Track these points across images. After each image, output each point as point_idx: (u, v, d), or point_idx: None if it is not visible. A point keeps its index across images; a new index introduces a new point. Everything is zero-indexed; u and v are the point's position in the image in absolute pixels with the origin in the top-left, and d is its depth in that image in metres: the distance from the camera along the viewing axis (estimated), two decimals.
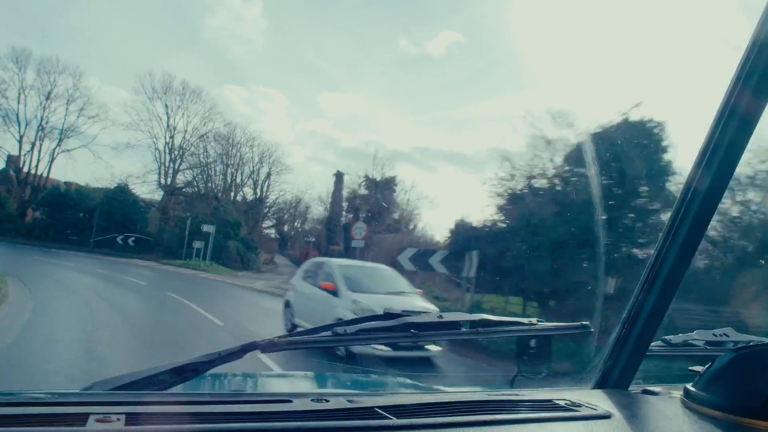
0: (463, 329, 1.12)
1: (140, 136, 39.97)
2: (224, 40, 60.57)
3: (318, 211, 41.23)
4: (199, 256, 29.60)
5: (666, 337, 1.18)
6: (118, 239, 32.89)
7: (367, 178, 24.78)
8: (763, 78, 0.90)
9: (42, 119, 35.95)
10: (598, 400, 1.00)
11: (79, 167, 49.27)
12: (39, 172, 37.12)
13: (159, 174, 37.22)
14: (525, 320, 1.15)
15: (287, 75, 64.04)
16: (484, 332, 1.12)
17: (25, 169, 36.51)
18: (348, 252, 23.54)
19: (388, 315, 1.08)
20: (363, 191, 25.27)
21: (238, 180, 41.12)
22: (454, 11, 57.51)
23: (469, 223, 11.86)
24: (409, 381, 1.98)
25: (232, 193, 40.78)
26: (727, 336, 1.17)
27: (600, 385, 1.16)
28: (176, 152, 37.77)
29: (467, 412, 0.87)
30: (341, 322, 1.05)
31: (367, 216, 22.21)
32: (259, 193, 42.43)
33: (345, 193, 27.80)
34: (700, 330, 1.20)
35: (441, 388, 1.70)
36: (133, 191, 35.87)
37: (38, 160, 36.80)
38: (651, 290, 1.07)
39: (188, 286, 17.43)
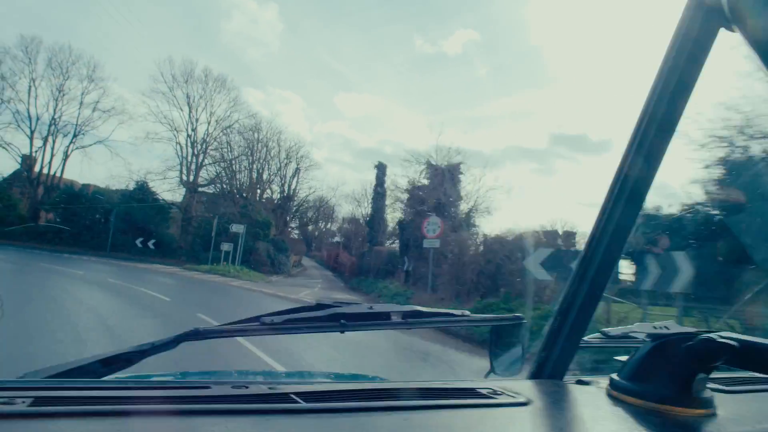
0: (394, 320, 1.11)
1: (160, 128, 36.79)
2: (241, 44, 58.09)
3: (348, 209, 37.47)
4: (228, 260, 26.14)
5: (605, 329, 1.16)
6: (137, 242, 29.74)
7: (429, 164, 20.76)
8: (689, 61, 0.90)
9: (55, 112, 33.00)
10: (525, 389, 1.00)
11: (95, 165, 46.71)
12: (52, 171, 34.11)
13: (180, 170, 33.82)
14: (457, 312, 1.16)
15: (303, 77, 61.47)
16: (414, 323, 1.13)
17: (37, 168, 33.55)
18: (407, 254, 19.61)
19: (319, 305, 1.07)
20: (423, 181, 21.23)
21: (265, 176, 37.63)
22: (470, 9, 54.14)
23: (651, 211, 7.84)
24: (348, 374, 2.12)
25: (258, 191, 37.29)
26: (668, 329, 1.06)
27: (535, 375, 1.15)
28: (199, 146, 34.35)
29: (378, 398, 0.87)
30: (269, 313, 1.03)
31: (430, 210, 18.30)
32: (287, 191, 38.96)
33: (404, 184, 23.62)
34: (642, 323, 1.16)
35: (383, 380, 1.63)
36: (153, 189, 32.62)
37: (51, 157, 33.77)
38: (582, 283, 1.09)
39: (223, 301, 13.77)
